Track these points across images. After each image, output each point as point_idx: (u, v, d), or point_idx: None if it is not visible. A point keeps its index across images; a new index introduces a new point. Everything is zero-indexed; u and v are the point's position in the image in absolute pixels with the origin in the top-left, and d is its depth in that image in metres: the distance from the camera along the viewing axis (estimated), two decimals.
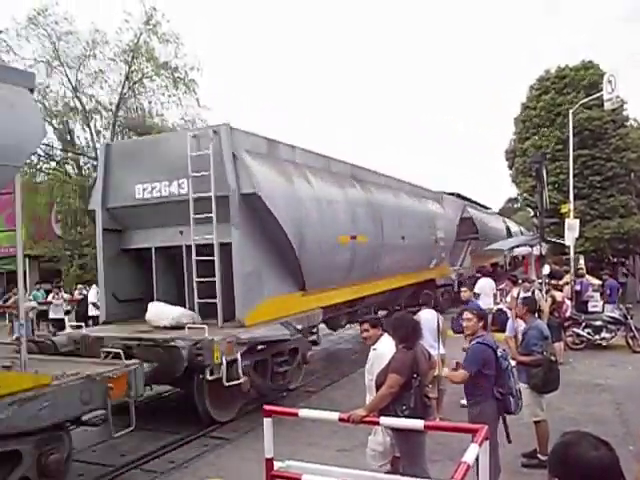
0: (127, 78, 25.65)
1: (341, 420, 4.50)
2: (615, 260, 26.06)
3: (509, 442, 5.54)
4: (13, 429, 5.21)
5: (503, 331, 9.14)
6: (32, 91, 5.88)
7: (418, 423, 4.31)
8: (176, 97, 26.30)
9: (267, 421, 4.25)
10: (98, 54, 25.21)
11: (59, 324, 16.73)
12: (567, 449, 2.03)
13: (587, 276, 17.59)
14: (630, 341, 13.54)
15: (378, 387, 4.96)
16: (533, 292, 12.46)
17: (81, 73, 25.15)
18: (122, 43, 25.28)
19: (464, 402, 6.22)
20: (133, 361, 6.98)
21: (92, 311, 15.75)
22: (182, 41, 25.74)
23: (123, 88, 25.68)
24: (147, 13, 24.91)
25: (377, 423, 4.75)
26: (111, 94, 25.85)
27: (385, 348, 5.54)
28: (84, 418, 5.98)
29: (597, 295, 15.93)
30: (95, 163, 25.35)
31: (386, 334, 5.68)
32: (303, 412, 4.64)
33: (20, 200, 5.92)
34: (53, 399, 5.56)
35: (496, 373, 5.46)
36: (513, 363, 6.51)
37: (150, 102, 26.64)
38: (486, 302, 12.90)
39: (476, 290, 13.28)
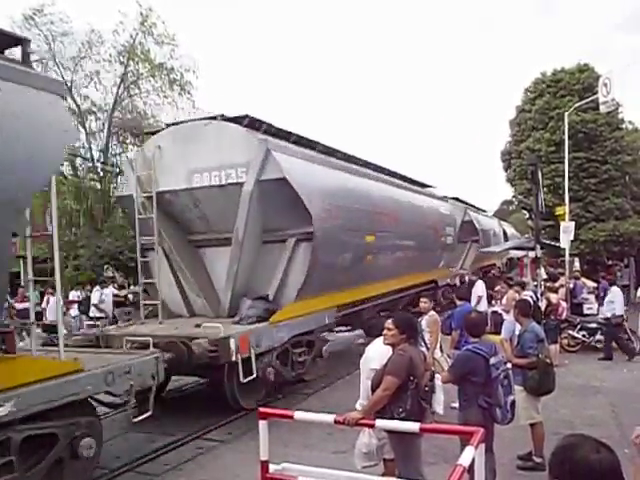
0: (122, 79, 25.60)
1: (337, 422, 4.48)
2: (610, 263, 26.12)
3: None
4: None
5: (498, 333, 9.16)
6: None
7: (414, 425, 4.30)
8: (171, 98, 26.27)
9: (262, 423, 4.23)
10: (94, 54, 25.18)
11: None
12: (569, 451, 2.04)
13: (582, 279, 17.63)
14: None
15: (374, 389, 4.95)
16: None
17: (76, 74, 25.10)
18: (118, 44, 25.25)
19: (454, 404, 6.22)
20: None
21: (94, 312, 15.85)
22: (178, 42, 25.75)
23: (118, 89, 25.61)
24: (143, 14, 24.91)
25: (373, 425, 4.74)
26: (106, 95, 25.79)
27: (374, 351, 5.57)
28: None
29: (592, 297, 15.96)
30: (89, 164, 25.31)
31: (378, 338, 5.69)
32: (299, 414, 4.60)
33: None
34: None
35: (484, 381, 5.43)
36: (509, 365, 6.52)
37: (145, 103, 26.60)
38: (482, 304, 12.95)
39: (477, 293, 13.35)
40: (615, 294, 13.73)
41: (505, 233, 35.15)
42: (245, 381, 8.53)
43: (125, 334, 8.86)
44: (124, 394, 6.73)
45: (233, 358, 8.29)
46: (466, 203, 25.80)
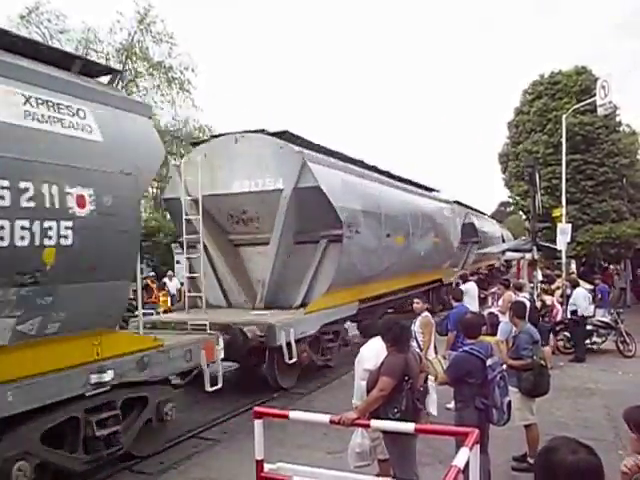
0: (121, 77, 25.57)
1: (332, 422, 4.49)
2: (606, 265, 26.15)
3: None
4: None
5: (495, 334, 9.17)
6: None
7: (409, 426, 4.31)
8: (169, 97, 26.31)
9: (258, 423, 4.24)
10: (91, 52, 25.14)
11: None
12: (549, 454, 2.09)
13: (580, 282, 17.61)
14: (620, 346, 13.60)
15: (369, 390, 4.96)
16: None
17: None
18: (116, 42, 25.28)
19: (449, 406, 6.23)
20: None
21: None
22: (176, 41, 25.82)
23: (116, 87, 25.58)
24: (140, 12, 24.94)
25: (368, 426, 4.75)
26: None
27: (368, 352, 5.59)
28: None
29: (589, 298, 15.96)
30: None
31: (373, 338, 5.72)
32: (294, 414, 4.61)
33: None
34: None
35: (481, 383, 5.44)
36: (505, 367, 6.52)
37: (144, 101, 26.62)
38: (472, 306, 12.88)
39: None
40: (577, 296, 13.84)
41: (473, 227, 27.34)
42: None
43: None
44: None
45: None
46: (306, 145, 11.98)
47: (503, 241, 34.77)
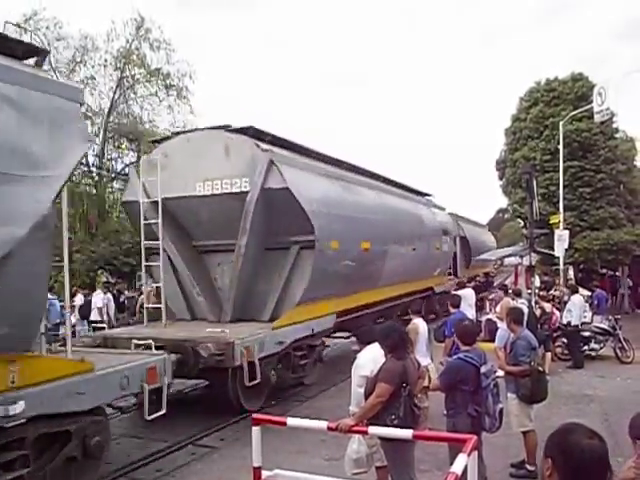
0: (118, 84, 25.67)
1: (330, 429, 4.48)
2: (604, 271, 26.17)
3: None
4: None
5: (493, 341, 9.15)
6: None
7: (407, 433, 4.30)
8: (167, 103, 26.41)
9: (255, 429, 4.22)
10: (89, 60, 25.24)
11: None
12: (564, 434, 2.18)
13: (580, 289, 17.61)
14: (618, 352, 13.59)
15: (367, 396, 4.94)
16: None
17: (72, 79, 25.12)
18: (113, 49, 25.36)
19: None
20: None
21: (95, 316, 15.83)
22: (174, 47, 25.89)
23: (114, 94, 25.68)
24: (137, 20, 25.06)
25: (366, 432, 4.73)
26: (102, 100, 25.86)
27: (365, 358, 5.58)
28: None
29: (586, 306, 15.97)
30: (85, 169, 25.25)
31: (370, 345, 5.70)
32: (291, 421, 4.60)
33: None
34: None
35: (474, 390, 5.43)
36: (501, 373, 6.51)
37: (142, 108, 26.70)
38: (469, 312, 12.85)
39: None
40: (574, 303, 13.81)
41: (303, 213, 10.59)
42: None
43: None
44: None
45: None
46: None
47: (466, 246, 26.57)
